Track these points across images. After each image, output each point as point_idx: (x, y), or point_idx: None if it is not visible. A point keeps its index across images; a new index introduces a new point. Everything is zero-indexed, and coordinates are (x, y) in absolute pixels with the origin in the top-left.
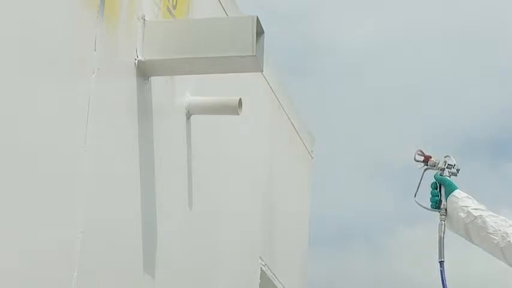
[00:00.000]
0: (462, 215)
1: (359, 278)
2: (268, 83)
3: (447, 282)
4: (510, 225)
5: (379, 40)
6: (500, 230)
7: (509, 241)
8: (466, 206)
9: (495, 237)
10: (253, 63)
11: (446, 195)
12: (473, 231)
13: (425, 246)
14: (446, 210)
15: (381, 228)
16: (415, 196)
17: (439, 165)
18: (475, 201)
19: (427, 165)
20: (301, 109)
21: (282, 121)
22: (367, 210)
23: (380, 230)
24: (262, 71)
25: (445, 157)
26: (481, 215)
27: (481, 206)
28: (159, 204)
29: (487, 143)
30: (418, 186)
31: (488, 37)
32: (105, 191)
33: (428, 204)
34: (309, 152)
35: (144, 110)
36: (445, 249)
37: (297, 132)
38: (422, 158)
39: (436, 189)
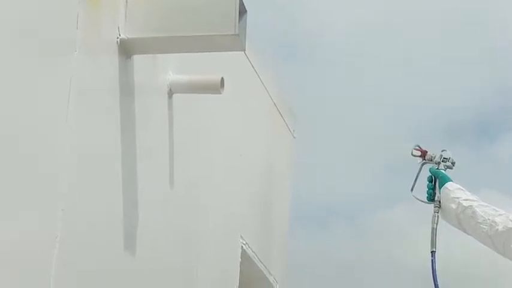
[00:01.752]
0: (453, 206)
1: (341, 258)
2: (251, 62)
3: (437, 272)
4: (499, 214)
5: (368, 24)
6: (489, 219)
7: (497, 229)
8: (457, 197)
9: (484, 226)
10: (236, 42)
11: (440, 188)
12: (465, 222)
13: (407, 226)
14: (440, 202)
15: (364, 208)
16: (411, 190)
17: (435, 159)
18: (467, 193)
19: (424, 159)
20: (285, 90)
21: (264, 101)
22: (350, 190)
23: (362, 210)
24: (245, 50)
25: (442, 151)
26: (471, 205)
27: (473, 197)
28: (141, 182)
29: (471, 125)
30: (415, 180)
31: (473, 20)
32: (86, 171)
33: (425, 197)
34: (290, 132)
35: (126, 89)
36: (437, 238)
37: (279, 112)
38: (419, 153)
39: (432, 182)
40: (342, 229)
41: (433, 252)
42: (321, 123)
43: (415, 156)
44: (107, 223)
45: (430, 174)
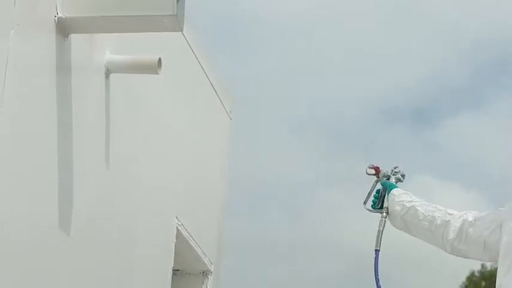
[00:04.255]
0: (398, 208)
1: (277, 239)
2: (189, 43)
3: (379, 270)
4: (439, 210)
5: (306, 10)
6: (429, 215)
7: (436, 223)
8: (402, 201)
9: (425, 222)
10: (174, 22)
11: (388, 195)
12: (409, 222)
13: (343, 208)
14: (388, 208)
15: (301, 189)
16: (364, 203)
17: (387, 174)
18: (413, 196)
19: (378, 176)
20: (223, 71)
21: (201, 81)
22: (287, 172)
23: (299, 192)
24: (182, 30)
25: (394, 167)
26: (413, 206)
27: (417, 199)
28: (76, 162)
29: (408, 111)
30: (368, 195)
31: (411, 9)
32: (21, 150)
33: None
34: (227, 113)
35: (63, 68)
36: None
37: (216, 93)
38: (373, 171)
39: (379, 193)
40: (278, 211)
41: (376, 251)
42: (258, 105)
43: (369, 174)
44: (43, 202)
45: (381, 187)
